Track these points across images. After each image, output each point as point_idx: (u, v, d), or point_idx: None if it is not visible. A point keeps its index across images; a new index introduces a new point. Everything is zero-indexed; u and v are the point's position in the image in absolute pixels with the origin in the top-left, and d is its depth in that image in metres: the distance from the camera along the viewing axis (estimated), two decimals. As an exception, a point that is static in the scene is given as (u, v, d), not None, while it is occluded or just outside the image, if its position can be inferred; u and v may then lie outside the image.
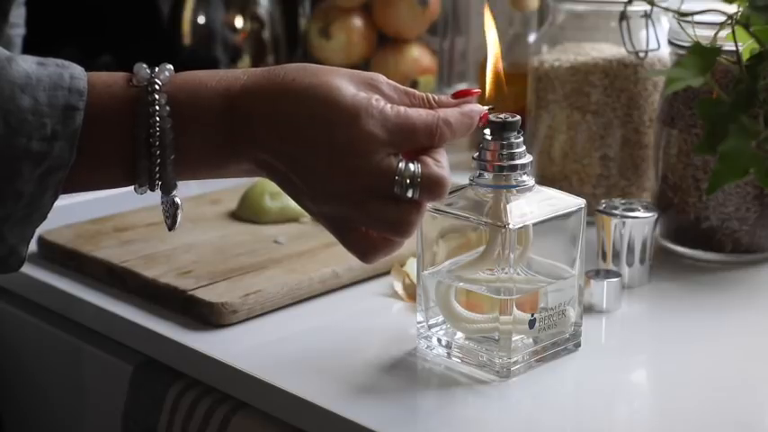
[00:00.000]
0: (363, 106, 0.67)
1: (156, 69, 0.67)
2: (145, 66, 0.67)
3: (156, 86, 0.66)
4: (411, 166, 0.67)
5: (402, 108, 0.68)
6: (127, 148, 0.66)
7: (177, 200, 0.70)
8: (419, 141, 0.68)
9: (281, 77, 0.68)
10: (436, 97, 0.70)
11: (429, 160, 0.68)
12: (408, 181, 0.67)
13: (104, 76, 0.67)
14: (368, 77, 0.69)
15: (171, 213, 0.70)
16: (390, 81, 0.70)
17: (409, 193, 0.67)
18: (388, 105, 0.67)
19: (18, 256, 0.67)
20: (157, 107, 0.66)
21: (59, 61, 0.66)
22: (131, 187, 0.68)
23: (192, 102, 0.67)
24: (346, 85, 0.67)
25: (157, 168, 0.67)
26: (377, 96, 0.68)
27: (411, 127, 0.67)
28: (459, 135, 0.69)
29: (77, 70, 0.66)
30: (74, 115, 0.65)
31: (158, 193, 0.69)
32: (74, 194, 0.69)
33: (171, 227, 0.71)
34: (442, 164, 0.68)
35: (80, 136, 0.65)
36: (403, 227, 0.68)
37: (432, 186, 0.67)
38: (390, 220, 0.68)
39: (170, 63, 0.68)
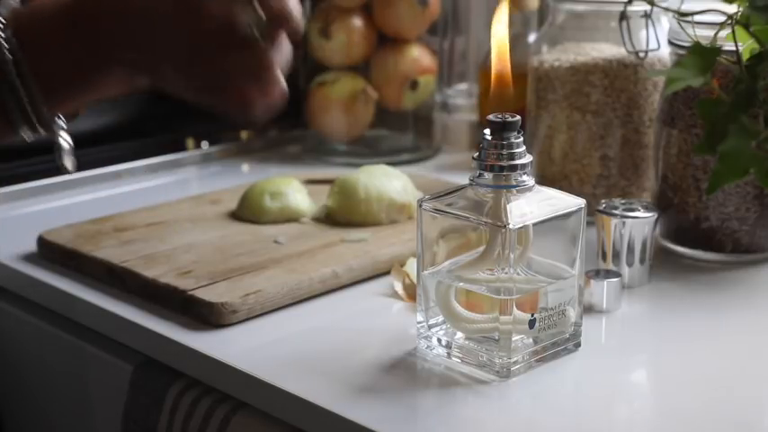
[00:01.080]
0: None
1: None
2: None
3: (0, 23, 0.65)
4: (249, 4, 0.63)
5: None
6: None
7: (62, 140, 0.68)
8: None
9: None
10: None
11: None
12: (250, 20, 0.63)
13: None
14: None
15: (59, 156, 0.68)
16: None
17: (255, 32, 0.63)
18: None
19: None
20: (3, 42, 0.64)
21: None
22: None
23: (37, 23, 0.65)
24: None
25: (27, 105, 0.65)
26: None
27: None
28: None
29: None
30: None
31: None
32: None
33: (63, 170, 0.69)
34: None
35: None
36: (264, 70, 0.64)
37: (277, 17, 0.64)
38: (249, 67, 0.64)
39: None
